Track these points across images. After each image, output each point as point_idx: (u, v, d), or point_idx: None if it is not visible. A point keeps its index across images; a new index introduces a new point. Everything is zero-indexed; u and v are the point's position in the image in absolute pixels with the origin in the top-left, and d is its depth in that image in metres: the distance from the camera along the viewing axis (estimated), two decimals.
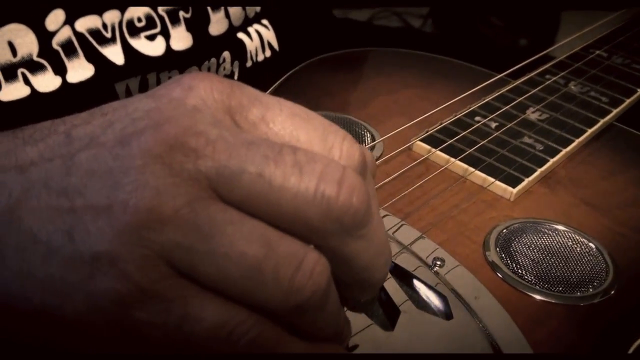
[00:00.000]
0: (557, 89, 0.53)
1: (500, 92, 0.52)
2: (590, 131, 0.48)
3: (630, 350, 0.34)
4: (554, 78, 0.54)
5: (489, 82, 0.53)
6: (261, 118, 0.24)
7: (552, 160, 0.45)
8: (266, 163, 0.22)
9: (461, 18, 1.72)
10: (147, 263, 0.22)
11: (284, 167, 0.22)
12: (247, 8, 0.53)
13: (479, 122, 0.48)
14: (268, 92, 0.51)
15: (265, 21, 0.55)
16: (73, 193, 0.22)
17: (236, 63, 0.52)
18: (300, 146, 0.24)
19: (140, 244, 0.21)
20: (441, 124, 0.48)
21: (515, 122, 0.48)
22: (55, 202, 0.23)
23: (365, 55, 0.58)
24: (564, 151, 0.46)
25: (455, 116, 0.49)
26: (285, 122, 0.24)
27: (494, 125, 0.48)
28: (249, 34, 0.53)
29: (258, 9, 0.55)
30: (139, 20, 0.47)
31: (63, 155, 0.23)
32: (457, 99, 0.50)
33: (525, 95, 0.52)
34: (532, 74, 0.55)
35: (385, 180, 0.42)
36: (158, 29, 0.48)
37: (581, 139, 0.48)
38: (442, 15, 1.78)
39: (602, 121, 0.50)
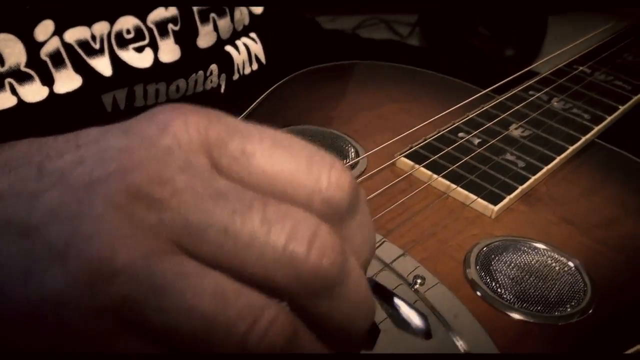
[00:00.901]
0: (540, 106, 0.54)
1: (484, 108, 0.53)
2: (571, 149, 0.49)
3: None
4: (538, 94, 0.55)
5: (474, 97, 0.53)
6: (241, 151, 0.24)
7: (533, 178, 0.46)
8: (233, 219, 0.22)
9: (449, 27, 1.73)
10: (92, 315, 0.21)
11: (251, 224, 0.22)
12: (236, 22, 0.54)
13: (462, 138, 0.49)
14: (254, 104, 0.51)
15: (253, 34, 0.56)
16: (35, 234, 0.22)
17: (223, 76, 0.53)
18: (285, 178, 0.24)
19: (89, 295, 0.21)
20: (425, 139, 0.48)
21: (498, 138, 0.49)
22: (15, 244, 0.23)
23: (352, 68, 0.59)
24: (545, 169, 0.47)
25: (439, 132, 0.49)
26: (267, 153, 0.24)
27: (477, 141, 0.49)
28: (236, 47, 0.54)
29: (247, 22, 0.55)
30: (128, 32, 0.47)
31: (30, 194, 0.23)
32: (442, 114, 0.51)
33: (509, 112, 0.52)
34: (516, 90, 0.55)
35: (369, 197, 0.43)
36: (146, 41, 0.48)
37: (562, 156, 0.48)
38: (430, 24, 1.79)
39: (583, 139, 0.50)
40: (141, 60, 0.48)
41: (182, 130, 0.24)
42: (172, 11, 0.49)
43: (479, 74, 0.65)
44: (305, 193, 0.24)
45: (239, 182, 0.23)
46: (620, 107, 0.55)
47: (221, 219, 0.22)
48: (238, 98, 0.53)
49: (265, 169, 0.24)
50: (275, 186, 0.24)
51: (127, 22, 0.47)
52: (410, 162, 0.46)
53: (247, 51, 0.54)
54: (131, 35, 0.47)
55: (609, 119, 0.53)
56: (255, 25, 0.56)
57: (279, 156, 0.24)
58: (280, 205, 0.23)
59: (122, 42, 0.47)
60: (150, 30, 0.48)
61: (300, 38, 0.64)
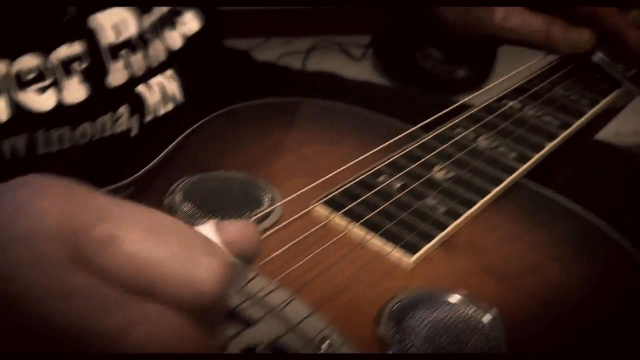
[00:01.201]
0: (466, 145, 0.52)
1: (408, 148, 0.51)
2: (495, 190, 0.48)
3: None
4: (465, 132, 0.54)
5: (400, 136, 0.52)
6: (109, 236, 0.22)
7: (453, 224, 0.44)
8: (85, 322, 0.20)
9: (401, 48, 1.73)
10: None
11: (106, 328, 0.20)
12: (151, 57, 0.51)
13: (383, 182, 0.47)
14: (168, 149, 0.49)
15: (169, 72, 0.53)
16: None
17: (135, 117, 0.50)
18: (153, 268, 0.22)
19: None
20: (344, 185, 0.46)
21: (420, 181, 0.47)
22: None
23: (275, 107, 0.57)
24: (466, 213, 0.45)
25: (359, 176, 0.47)
26: (139, 239, 0.22)
27: (398, 185, 0.47)
28: (150, 87, 0.51)
29: (163, 58, 0.53)
30: (29, 71, 0.44)
31: None
32: (365, 155, 0.49)
33: (433, 152, 0.51)
34: (443, 128, 0.54)
35: (281, 250, 0.40)
36: (49, 81, 0.45)
37: (485, 199, 0.47)
38: (382, 46, 1.79)
39: (508, 179, 0.49)
40: (42, 102, 0.45)
41: (38, 214, 0.22)
42: (78, 48, 0.46)
43: (413, 109, 0.64)
44: (173, 286, 0.22)
45: (101, 273, 0.22)
46: (547, 144, 0.54)
47: (71, 323, 0.20)
48: (151, 141, 0.50)
49: (131, 258, 0.22)
50: (141, 277, 0.22)
51: (28, 62, 0.44)
52: (327, 210, 0.44)
53: (162, 90, 0.52)
54: (32, 75, 0.45)
55: (535, 157, 0.52)
56: (172, 61, 0.54)
57: (150, 243, 0.22)
58: (141, 305, 0.21)
59: (22, 84, 0.44)
60: (53, 69, 0.45)
61: (225, 73, 0.62)
